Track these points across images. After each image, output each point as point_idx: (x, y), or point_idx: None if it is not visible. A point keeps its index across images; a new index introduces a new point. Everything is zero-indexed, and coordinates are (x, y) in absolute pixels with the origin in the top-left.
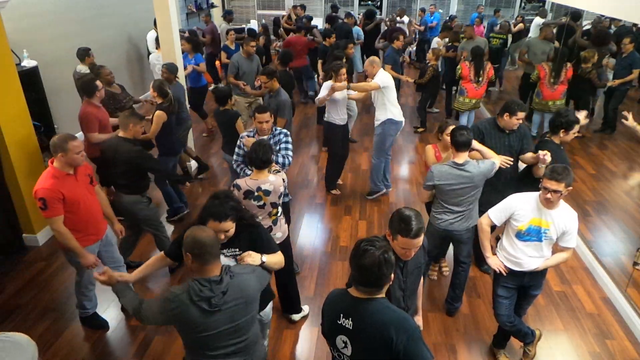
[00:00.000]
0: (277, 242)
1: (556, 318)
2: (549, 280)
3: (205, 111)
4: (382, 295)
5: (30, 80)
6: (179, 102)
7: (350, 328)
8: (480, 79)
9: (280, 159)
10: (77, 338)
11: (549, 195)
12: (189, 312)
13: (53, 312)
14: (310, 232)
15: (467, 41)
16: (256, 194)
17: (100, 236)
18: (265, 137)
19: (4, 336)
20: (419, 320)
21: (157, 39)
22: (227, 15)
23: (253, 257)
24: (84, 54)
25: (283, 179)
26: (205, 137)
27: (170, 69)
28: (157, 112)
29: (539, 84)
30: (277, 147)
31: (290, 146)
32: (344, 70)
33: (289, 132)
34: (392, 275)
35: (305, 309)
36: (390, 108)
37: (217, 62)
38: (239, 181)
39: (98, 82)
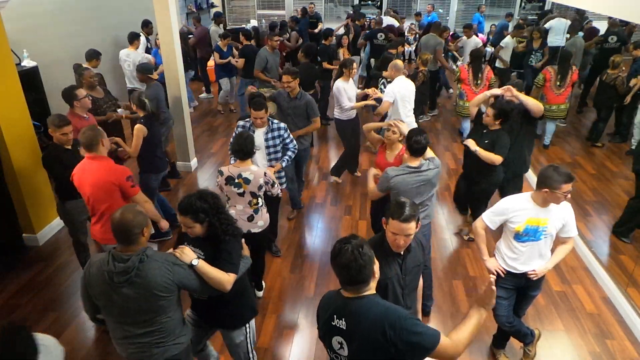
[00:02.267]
0: (259, 229)
1: (556, 318)
2: (549, 280)
3: None
4: (372, 291)
5: (30, 80)
6: (158, 102)
7: (345, 328)
8: (479, 81)
9: (288, 155)
10: (77, 338)
11: (568, 196)
12: (96, 277)
13: (53, 312)
14: (311, 232)
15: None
16: (236, 180)
17: None
18: (263, 129)
19: (37, 338)
20: None
21: (132, 36)
22: (217, 18)
23: (185, 253)
24: (92, 55)
25: (265, 173)
26: (205, 137)
27: (140, 70)
28: (137, 125)
29: (544, 88)
30: (278, 142)
31: (293, 139)
32: (355, 65)
33: (286, 126)
34: (376, 268)
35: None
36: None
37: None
38: (222, 168)
39: (78, 92)
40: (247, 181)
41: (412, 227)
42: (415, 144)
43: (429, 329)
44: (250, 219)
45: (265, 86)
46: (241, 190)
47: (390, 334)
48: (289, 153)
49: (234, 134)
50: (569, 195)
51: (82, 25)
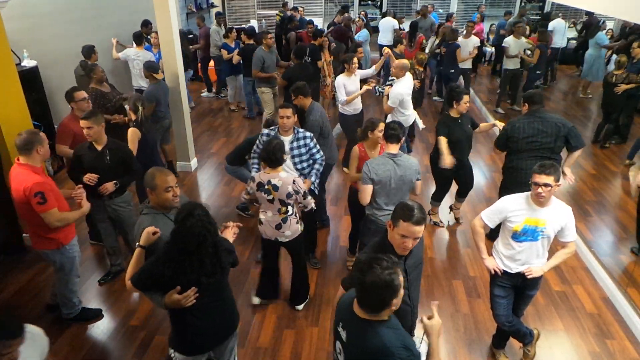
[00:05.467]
0: (286, 239)
1: (556, 318)
2: (549, 280)
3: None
4: (382, 318)
5: (30, 80)
6: (157, 100)
7: (345, 340)
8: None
9: (316, 168)
10: (77, 338)
11: (539, 190)
12: None
13: (53, 312)
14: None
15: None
16: (266, 187)
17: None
18: (288, 137)
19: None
20: (420, 330)
21: (137, 36)
22: (218, 17)
23: (146, 231)
24: (89, 52)
25: (294, 181)
26: (205, 137)
27: (147, 67)
28: (130, 129)
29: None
30: (305, 151)
31: (319, 149)
32: (355, 60)
33: (312, 135)
34: (396, 301)
35: (255, 300)
36: (397, 115)
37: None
38: (255, 174)
39: (76, 94)
40: (275, 188)
41: (420, 230)
42: (391, 130)
43: None
44: (278, 227)
45: (265, 85)
46: (270, 197)
47: None
48: (316, 166)
49: (255, 144)
50: (548, 189)
51: (82, 25)
